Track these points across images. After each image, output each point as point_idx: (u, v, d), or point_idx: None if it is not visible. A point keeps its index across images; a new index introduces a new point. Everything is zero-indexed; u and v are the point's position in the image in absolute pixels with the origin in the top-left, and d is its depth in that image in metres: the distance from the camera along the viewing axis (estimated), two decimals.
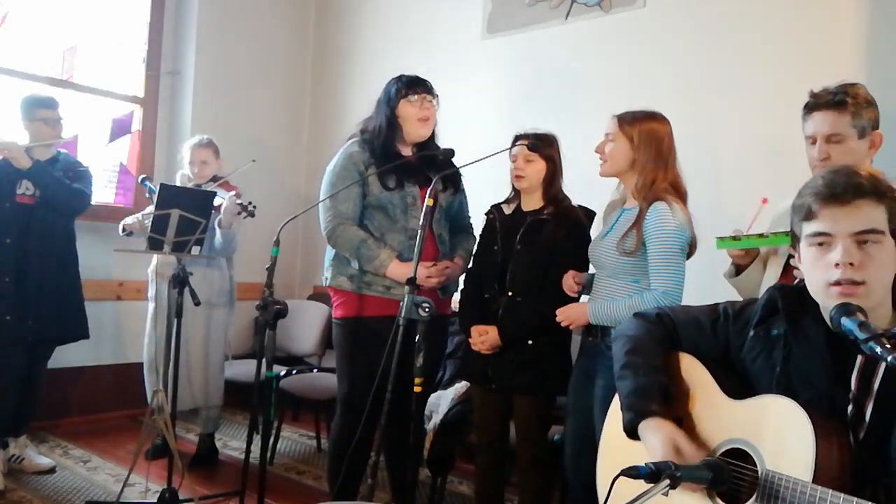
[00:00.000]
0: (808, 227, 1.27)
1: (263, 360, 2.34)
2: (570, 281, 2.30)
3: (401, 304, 2.00)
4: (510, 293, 2.40)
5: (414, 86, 2.51)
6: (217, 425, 3.58)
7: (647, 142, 2.14)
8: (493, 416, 2.49)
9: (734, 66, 3.12)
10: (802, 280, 1.33)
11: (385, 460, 2.67)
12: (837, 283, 1.21)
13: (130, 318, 4.12)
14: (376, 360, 2.18)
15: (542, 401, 2.41)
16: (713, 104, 3.17)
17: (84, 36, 4.26)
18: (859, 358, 1.23)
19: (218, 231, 3.28)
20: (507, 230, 2.46)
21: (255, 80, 4.75)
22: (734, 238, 1.92)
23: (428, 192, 2.14)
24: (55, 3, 4.13)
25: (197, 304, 2.80)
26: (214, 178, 3.44)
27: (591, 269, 2.37)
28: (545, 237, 2.38)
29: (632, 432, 1.41)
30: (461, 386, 2.98)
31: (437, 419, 2.92)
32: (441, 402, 2.99)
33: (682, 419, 1.41)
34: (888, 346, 1.07)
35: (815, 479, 1.14)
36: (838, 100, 1.83)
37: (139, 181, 3.73)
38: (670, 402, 1.41)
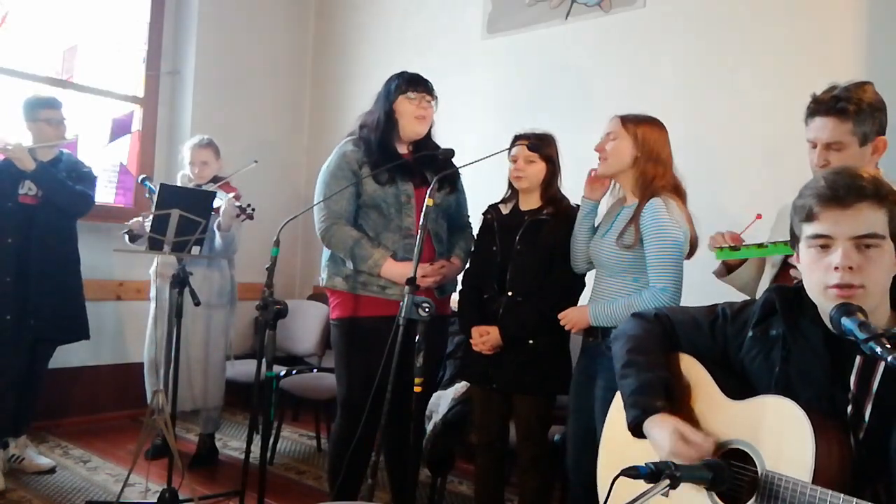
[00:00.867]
0: (809, 229, 1.26)
1: (263, 360, 2.34)
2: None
3: (401, 304, 1.99)
4: (510, 293, 2.39)
5: (414, 83, 2.50)
6: (217, 425, 3.58)
7: (648, 141, 2.16)
8: (493, 415, 2.49)
9: (734, 66, 3.12)
10: (800, 281, 1.33)
11: (385, 460, 2.66)
12: (836, 287, 1.20)
13: (131, 318, 4.13)
14: (374, 360, 2.17)
15: (543, 400, 2.41)
16: (713, 104, 3.17)
17: (84, 36, 4.26)
18: (858, 358, 1.23)
19: (217, 233, 3.28)
20: (506, 230, 2.46)
21: (255, 80, 4.75)
22: (733, 248, 1.91)
23: (428, 192, 2.14)
24: (55, 3, 4.13)
25: (197, 304, 2.80)
26: (215, 179, 3.44)
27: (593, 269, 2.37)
28: (545, 237, 2.39)
29: (637, 429, 1.41)
30: (461, 386, 2.98)
31: (437, 419, 2.92)
32: (441, 402, 2.99)
33: (682, 418, 1.41)
34: (888, 346, 1.07)
35: (815, 480, 1.14)
36: (840, 107, 1.77)
37: (139, 181, 3.73)
38: (673, 399, 1.41)
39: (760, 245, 1.88)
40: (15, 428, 3.23)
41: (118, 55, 4.40)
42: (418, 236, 2.10)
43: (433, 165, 2.51)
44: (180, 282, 2.72)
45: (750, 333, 1.40)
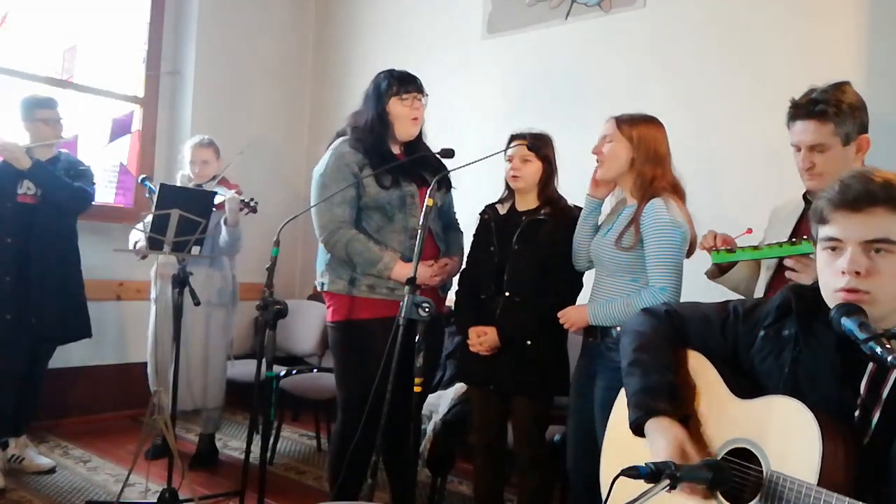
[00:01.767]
0: (822, 232, 1.26)
1: (263, 360, 2.33)
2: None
3: (401, 304, 1.99)
4: (508, 293, 2.39)
5: (405, 84, 2.47)
6: (217, 425, 3.58)
7: (645, 142, 2.15)
8: (491, 416, 2.48)
9: (734, 66, 3.12)
10: (815, 281, 1.32)
11: (384, 461, 2.66)
12: (842, 290, 1.20)
13: (131, 318, 4.12)
14: (375, 362, 2.17)
15: (541, 401, 2.41)
16: (713, 104, 3.17)
17: (84, 36, 4.26)
18: (870, 364, 1.22)
19: (224, 229, 3.28)
20: (503, 230, 2.45)
21: (256, 79, 4.75)
22: (728, 250, 1.92)
23: (428, 191, 2.14)
24: (55, 3, 4.13)
25: (197, 304, 2.80)
26: (215, 178, 3.45)
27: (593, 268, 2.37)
28: (543, 237, 2.38)
29: (638, 430, 1.41)
30: (461, 386, 2.98)
31: (437, 419, 2.92)
32: (441, 402, 2.99)
33: (689, 417, 1.40)
34: (888, 346, 1.07)
35: (820, 482, 1.13)
36: (819, 110, 1.79)
37: (139, 181, 3.73)
38: (678, 402, 1.41)
39: (755, 247, 1.88)
40: (15, 428, 3.23)
41: (118, 55, 4.40)
42: (419, 236, 2.10)
43: (427, 165, 2.51)
44: (180, 282, 2.72)
45: (762, 332, 1.39)
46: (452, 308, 2.67)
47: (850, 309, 1.16)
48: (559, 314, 2.26)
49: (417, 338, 1.96)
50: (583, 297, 2.42)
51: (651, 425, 1.37)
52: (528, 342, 2.36)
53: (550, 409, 2.45)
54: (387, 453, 2.61)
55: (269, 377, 2.33)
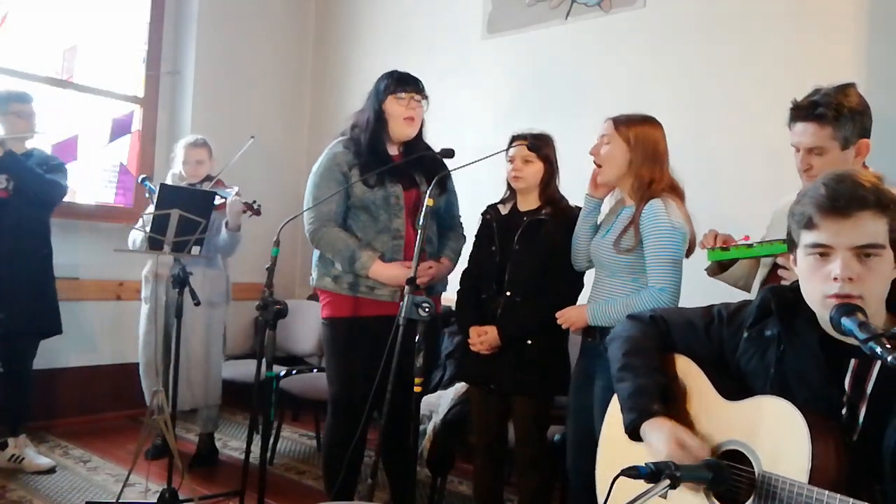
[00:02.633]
0: (808, 237, 1.25)
1: (263, 360, 2.34)
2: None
3: (400, 304, 1.99)
4: (509, 293, 2.39)
5: (403, 83, 2.49)
6: (217, 425, 3.58)
7: (643, 143, 2.15)
8: (491, 416, 2.49)
9: (734, 66, 3.12)
10: (796, 282, 1.32)
11: (384, 461, 2.66)
12: (835, 297, 1.19)
13: (130, 318, 4.10)
14: (364, 359, 2.18)
15: (541, 401, 2.41)
16: (713, 104, 3.17)
17: (84, 36, 4.26)
18: (853, 361, 1.23)
19: (224, 232, 3.28)
20: (505, 230, 2.46)
21: (255, 80, 4.75)
22: (723, 249, 1.93)
23: (428, 192, 2.14)
24: (55, 3, 4.13)
25: (197, 304, 2.80)
26: (208, 178, 3.43)
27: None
28: (544, 237, 2.38)
29: (633, 433, 1.41)
30: (461, 386, 2.97)
31: (437, 419, 2.92)
32: (441, 402, 2.99)
33: (679, 421, 1.40)
34: (888, 346, 1.07)
35: (811, 480, 1.14)
36: (819, 113, 1.79)
37: (139, 181, 3.73)
38: (670, 403, 1.41)
39: (749, 246, 1.89)
40: (11, 428, 3.23)
41: (118, 55, 4.40)
42: (417, 237, 2.10)
43: (423, 166, 2.51)
44: (180, 282, 2.72)
45: (745, 334, 1.40)
46: (453, 308, 2.68)
47: (849, 309, 1.16)
48: (558, 314, 2.26)
49: (417, 338, 1.96)
50: (583, 297, 2.42)
51: (647, 426, 1.37)
52: (529, 342, 2.36)
53: (551, 409, 2.46)
54: (386, 453, 2.62)
55: (269, 377, 2.33)
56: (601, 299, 2.21)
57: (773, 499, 1.18)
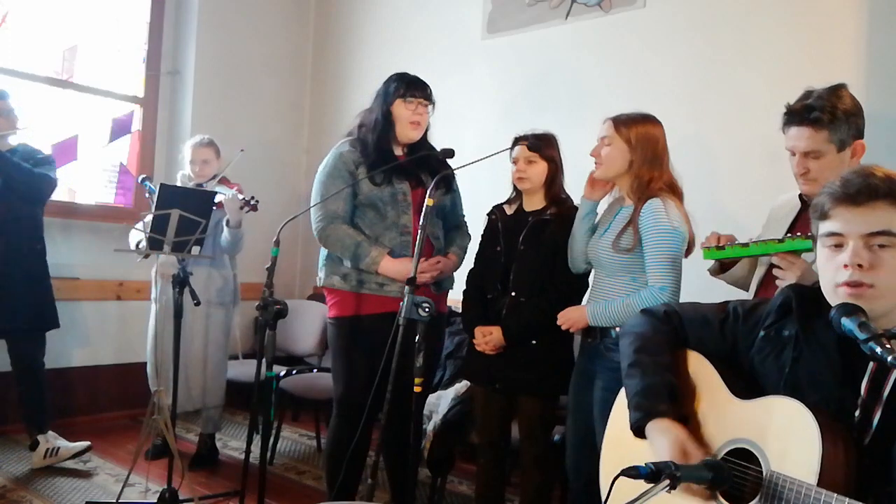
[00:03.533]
0: (823, 227, 1.26)
1: (263, 360, 2.34)
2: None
3: (401, 303, 2.00)
4: (513, 293, 2.40)
5: (413, 88, 2.52)
6: (218, 426, 3.58)
7: (643, 143, 2.15)
8: (495, 415, 2.49)
9: (734, 66, 3.12)
10: (817, 281, 1.32)
11: (384, 460, 2.67)
12: (845, 284, 1.20)
13: (131, 318, 4.12)
14: (372, 358, 2.18)
15: (546, 400, 2.41)
16: (713, 104, 3.17)
17: (84, 36, 4.26)
18: (871, 364, 1.21)
19: (226, 230, 3.28)
20: (510, 231, 2.46)
21: (255, 80, 4.75)
22: (718, 248, 1.93)
23: (428, 191, 2.15)
24: (55, 3, 4.13)
25: (197, 304, 2.80)
26: (215, 177, 3.44)
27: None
28: (548, 237, 2.39)
29: (639, 431, 1.41)
30: (461, 386, 2.98)
31: (437, 419, 2.92)
32: (441, 402, 2.99)
33: (689, 418, 1.40)
34: (888, 346, 1.06)
35: (820, 482, 1.13)
36: (814, 117, 1.78)
37: (139, 181, 3.73)
38: (678, 402, 1.41)
39: (744, 245, 1.89)
40: (38, 426, 3.27)
41: (118, 55, 4.40)
42: (418, 237, 2.11)
43: (428, 166, 2.53)
44: (180, 282, 2.72)
45: (762, 333, 1.39)
46: (454, 308, 2.68)
47: (849, 309, 1.15)
48: (559, 315, 2.26)
49: (417, 338, 1.96)
50: (587, 297, 2.43)
51: (652, 426, 1.37)
52: (533, 341, 2.37)
53: (555, 409, 2.46)
54: (387, 453, 2.63)
55: (269, 377, 2.34)
56: (601, 299, 2.21)
57: (779, 499, 1.17)
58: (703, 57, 3.21)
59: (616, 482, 1.17)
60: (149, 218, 2.69)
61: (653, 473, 1.17)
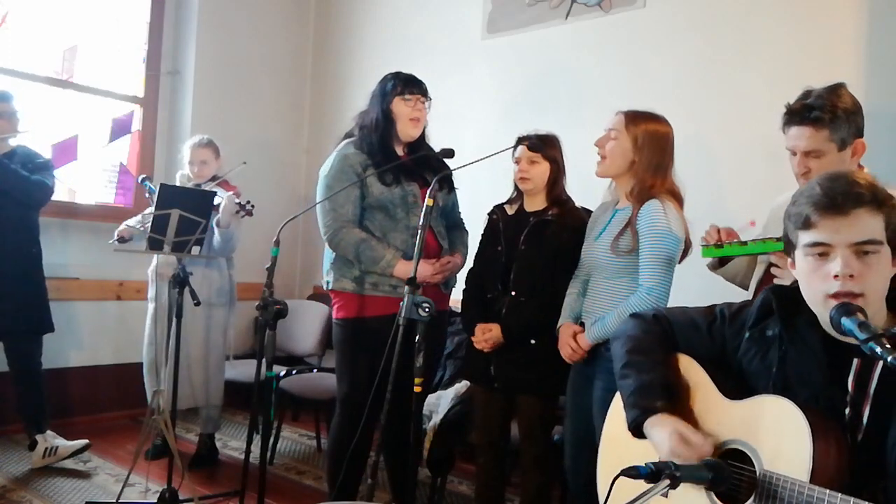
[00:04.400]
0: (806, 237, 1.25)
1: (263, 360, 2.34)
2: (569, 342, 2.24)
3: (401, 304, 1.99)
4: (513, 293, 2.39)
5: (410, 85, 2.52)
6: (217, 426, 3.58)
7: (649, 145, 2.13)
8: (494, 415, 2.49)
9: (734, 66, 3.12)
10: (796, 282, 1.32)
11: (384, 460, 2.67)
12: (836, 295, 1.19)
13: (130, 318, 4.12)
14: (377, 359, 2.18)
15: (546, 400, 2.41)
16: (713, 104, 3.17)
17: (84, 36, 4.26)
18: (855, 361, 1.23)
19: (216, 230, 3.28)
20: (511, 231, 2.46)
21: (255, 80, 4.75)
22: (717, 246, 1.93)
23: (428, 191, 2.15)
24: (55, 3, 4.13)
25: (197, 304, 2.80)
26: (214, 178, 3.45)
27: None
28: (549, 238, 2.38)
29: (637, 430, 1.41)
30: (461, 386, 2.98)
31: (437, 419, 2.92)
32: (441, 402, 2.99)
33: (682, 418, 1.40)
34: (888, 346, 1.07)
35: (813, 479, 1.14)
36: (814, 116, 1.79)
37: (139, 181, 3.73)
38: (673, 399, 1.41)
39: (743, 243, 1.89)
40: (36, 426, 3.27)
41: (118, 55, 4.40)
42: (418, 236, 2.11)
43: (429, 166, 2.54)
44: (180, 282, 2.72)
45: (747, 334, 1.40)
46: (454, 308, 2.68)
47: (849, 309, 1.16)
48: (560, 349, 2.24)
49: (417, 337, 1.96)
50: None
51: (650, 423, 1.37)
52: (533, 341, 2.36)
53: (555, 409, 2.46)
54: (387, 453, 2.63)
55: (269, 377, 2.33)
56: (598, 304, 2.20)
57: (774, 497, 1.18)
58: (703, 57, 3.22)
59: (616, 482, 1.17)
60: (138, 217, 2.68)
61: (653, 473, 1.17)
